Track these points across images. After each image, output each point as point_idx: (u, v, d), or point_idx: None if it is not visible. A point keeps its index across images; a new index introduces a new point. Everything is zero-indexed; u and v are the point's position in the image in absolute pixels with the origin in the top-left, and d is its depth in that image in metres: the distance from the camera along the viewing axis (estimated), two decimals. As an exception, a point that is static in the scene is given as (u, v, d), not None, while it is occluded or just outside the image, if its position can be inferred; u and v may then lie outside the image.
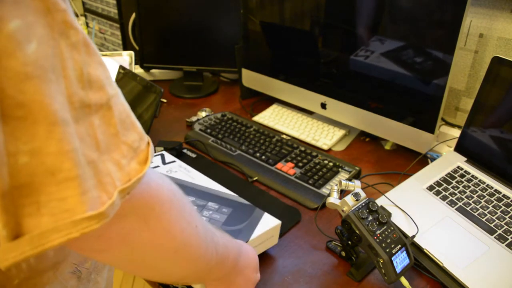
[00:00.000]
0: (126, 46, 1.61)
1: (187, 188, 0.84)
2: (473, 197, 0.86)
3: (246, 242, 0.72)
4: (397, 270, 0.69)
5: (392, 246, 0.70)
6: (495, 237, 0.78)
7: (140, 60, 1.50)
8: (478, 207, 0.84)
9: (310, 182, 0.98)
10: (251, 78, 1.37)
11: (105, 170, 0.35)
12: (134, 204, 0.39)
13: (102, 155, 0.35)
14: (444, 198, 0.87)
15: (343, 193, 0.90)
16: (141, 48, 1.49)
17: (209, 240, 0.51)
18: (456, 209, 0.84)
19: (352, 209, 0.72)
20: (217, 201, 0.82)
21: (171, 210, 0.44)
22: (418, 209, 0.84)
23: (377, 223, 0.71)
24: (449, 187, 0.89)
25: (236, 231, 0.74)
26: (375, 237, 0.70)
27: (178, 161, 0.94)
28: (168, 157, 0.96)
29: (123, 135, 0.37)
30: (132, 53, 1.45)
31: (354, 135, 1.20)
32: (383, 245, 0.69)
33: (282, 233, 0.85)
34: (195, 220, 0.48)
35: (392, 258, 0.69)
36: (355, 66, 1.10)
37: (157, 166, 0.90)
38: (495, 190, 0.87)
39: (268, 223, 0.77)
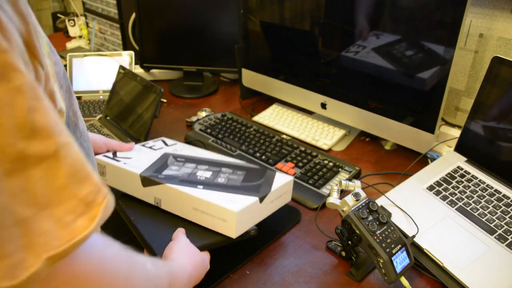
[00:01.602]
0: (126, 46, 1.61)
1: (197, 160, 0.86)
2: (473, 197, 0.86)
3: (270, 192, 0.76)
4: (397, 270, 0.69)
5: (392, 246, 0.70)
6: (495, 237, 0.78)
7: (140, 60, 1.50)
8: (478, 207, 0.84)
9: (310, 182, 0.98)
10: (251, 78, 1.37)
11: (39, 228, 0.31)
12: (51, 283, 0.34)
13: (41, 212, 0.32)
14: (444, 198, 0.87)
15: (343, 193, 0.90)
16: (141, 48, 1.49)
17: None
18: (456, 209, 0.84)
19: (352, 209, 0.72)
20: (230, 167, 0.85)
21: (97, 285, 0.39)
22: (418, 209, 0.84)
23: (377, 223, 0.71)
24: (449, 187, 0.89)
25: (257, 185, 0.77)
26: (375, 237, 0.70)
27: (180, 143, 0.97)
28: (169, 141, 0.98)
29: (74, 188, 0.34)
30: (132, 53, 1.45)
31: (354, 135, 1.20)
32: (383, 245, 0.69)
33: (282, 233, 0.85)
34: (131, 282, 0.44)
35: (392, 258, 0.69)
36: (355, 65, 1.09)
37: (161, 148, 0.93)
38: (495, 190, 0.87)
39: (283, 179, 0.82)
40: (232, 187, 0.75)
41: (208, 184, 0.75)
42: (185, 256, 0.63)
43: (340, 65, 1.13)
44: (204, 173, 0.80)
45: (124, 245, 0.46)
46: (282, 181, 0.81)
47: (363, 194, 0.75)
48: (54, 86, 0.41)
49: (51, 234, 0.32)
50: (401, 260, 0.70)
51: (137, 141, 1.11)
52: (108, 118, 1.24)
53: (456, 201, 0.86)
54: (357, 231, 0.71)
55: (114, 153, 0.88)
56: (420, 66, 0.98)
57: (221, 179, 0.78)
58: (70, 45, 1.87)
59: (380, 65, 1.04)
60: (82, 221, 0.34)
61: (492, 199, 0.85)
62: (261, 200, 0.73)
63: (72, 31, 1.88)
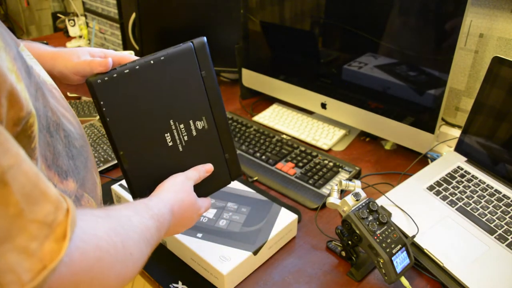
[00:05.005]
0: (126, 46, 1.61)
1: None
2: (473, 197, 0.86)
3: (266, 242, 0.76)
4: (397, 270, 0.69)
5: (392, 246, 0.70)
6: (495, 237, 0.78)
7: (140, 60, 1.50)
8: (478, 207, 0.84)
9: (310, 182, 0.98)
10: (251, 78, 1.37)
11: (4, 265, 0.29)
12: None
13: (1, 247, 0.29)
14: (444, 198, 0.87)
15: (343, 193, 0.90)
16: (141, 48, 1.49)
17: (144, 247, 0.47)
18: (456, 209, 0.84)
19: (352, 209, 0.72)
20: (236, 200, 0.86)
21: (101, 271, 0.38)
22: (418, 209, 0.84)
23: (377, 223, 0.71)
24: (449, 187, 0.89)
25: (255, 231, 0.78)
26: (375, 237, 0.70)
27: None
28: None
29: (30, 212, 0.31)
30: (132, 53, 1.45)
31: (354, 135, 1.20)
32: (383, 245, 0.69)
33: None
34: (129, 249, 0.43)
35: (392, 258, 0.69)
36: (355, 66, 1.09)
37: None
38: (495, 190, 0.87)
39: (285, 219, 0.81)
40: (230, 235, 0.77)
41: (208, 231, 0.78)
42: (173, 194, 0.58)
43: (340, 65, 1.13)
44: (208, 211, 0.82)
45: (103, 211, 0.44)
46: (285, 223, 0.80)
47: (363, 194, 0.75)
48: (17, 85, 0.36)
49: (20, 268, 0.29)
50: (401, 260, 0.70)
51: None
52: (108, 118, 1.23)
53: (456, 201, 0.86)
54: (357, 231, 0.71)
55: None
56: (420, 66, 0.98)
57: (222, 222, 0.80)
58: (70, 45, 1.87)
59: (380, 65, 1.04)
60: (49, 244, 0.31)
61: (492, 199, 0.85)
62: (255, 252, 0.75)
63: (72, 31, 1.88)
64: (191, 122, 0.64)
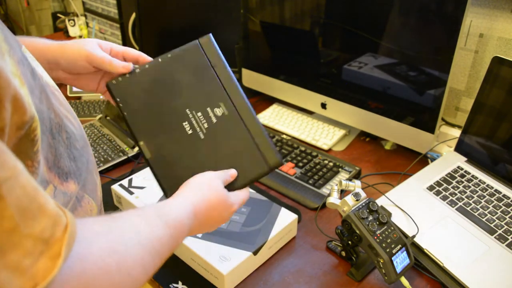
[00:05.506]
0: (126, 46, 1.61)
1: None
2: (473, 197, 0.86)
3: (266, 242, 0.76)
4: (397, 270, 0.69)
5: (392, 246, 0.70)
6: (495, 237, 0.78)
7: (140, 60, 1.50)
8: (478, 207, 0.84)
9: (310, 182, 0.98)
10: (251, 78, 1.37)
11: None
12: None
13: None
14: (444, 198, 0.87)
15: (343, 193, 0.90)
16: (141, 48, 1.49)
17: (150, 260, 0.45)
18: (456, 209, 0.84)
19: (353, 209, 0.73)
20: None
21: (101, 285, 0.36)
22: (418, 209, 0.84)
23: (377, 223, 0.71)
24: (449, 187, 0.89)
25: (255, 231, 0.78)
26: (375, 237, 0.70)
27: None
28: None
29: (26, 227, 0.30)
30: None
31: (354, 135, 1.20)
32: (383, 245, 0.69)
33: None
34: (127, 269, 0.41)
35: (392, 258, 0.69)
36: (355, 66, 1.09)
37: None
38: (495, 190, 0.87)
39: (285, 219, 0.81)
40: (230, 235, 0.77)
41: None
42: (199, 193, 0.57)
43: (340, 65, 1.13)
44: None
45: (105, 223, 0.42)
46: (285, 223, 0.80)
47: (363, 194, 0.75)
48: (20, 89, 0.35)
49: (10, 286, 0.28)
50: (401, 260, 0.70)
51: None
52: (108, 118, 1.23)
53: (456, 201, 0.86)
54: (357, 231, 0.71)
55: (130, 180, 0.90)
56: (420, 66, 0.98)
57: None
58: (70, 45, 1.87)
59: (380, 66, 1.04)
60: (44, 261, 0.30)
61: (492, 199, 0.85)
62: (255, 252, 0.75)
63: (72, 31, 1.88)
64: (208, 109, 0.65)
